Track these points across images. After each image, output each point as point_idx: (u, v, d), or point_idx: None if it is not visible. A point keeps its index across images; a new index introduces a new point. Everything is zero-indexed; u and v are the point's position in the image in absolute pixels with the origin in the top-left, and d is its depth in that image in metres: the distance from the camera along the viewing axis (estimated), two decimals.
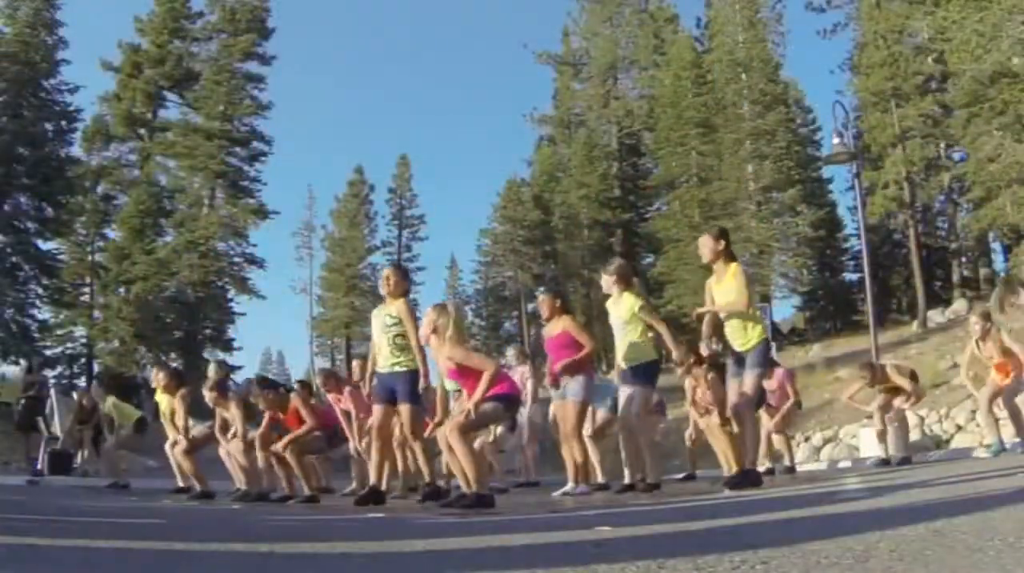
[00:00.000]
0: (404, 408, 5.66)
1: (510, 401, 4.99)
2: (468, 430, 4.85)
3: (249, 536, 3.53)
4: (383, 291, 6.03)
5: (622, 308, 6.25)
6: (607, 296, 6.50)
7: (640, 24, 34.99)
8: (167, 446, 8.39)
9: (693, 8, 59.87)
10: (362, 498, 5.81)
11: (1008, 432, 7.86)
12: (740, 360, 5.71)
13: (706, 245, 5.85)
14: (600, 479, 7.59)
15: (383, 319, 5.88)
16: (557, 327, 6.47)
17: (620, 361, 6.29)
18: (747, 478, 5.71)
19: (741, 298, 5.66)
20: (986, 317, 8.30)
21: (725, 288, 5.74)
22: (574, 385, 6.33)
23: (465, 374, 4.87)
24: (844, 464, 9.96)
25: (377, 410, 5.86)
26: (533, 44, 50.16)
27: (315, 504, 6.54)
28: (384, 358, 5.82)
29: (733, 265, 5.78)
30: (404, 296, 5.96)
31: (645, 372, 6.21)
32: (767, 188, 27.15)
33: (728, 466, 6.61)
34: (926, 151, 24.31)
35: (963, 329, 12.35)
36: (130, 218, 27.46)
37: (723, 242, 5.84)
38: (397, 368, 5.75)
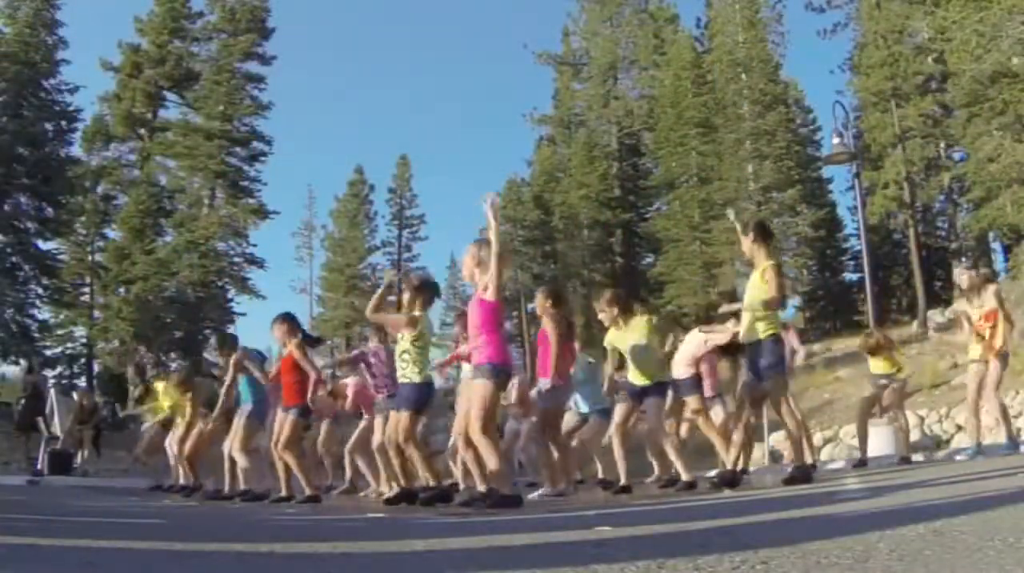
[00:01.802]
0: (405, 414, 5.75)
1: (502, 372, 4.95)
2: (487, 425, 4.83)
3: (249, 536, 3.53)
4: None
5: (638, 332, 6.36)
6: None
7: (640, 24, 34.95)
8: (169, 443, 8.45)
9: (693, 8, 60.00)
10: (392, 498, 5.92)
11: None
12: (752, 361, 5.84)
13: (743, 242, 6.03)
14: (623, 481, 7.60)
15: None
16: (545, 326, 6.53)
17: (643, 378, 6.32)
18: (723, 478, 6.00)
19: (762, 294, 5.80)
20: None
21: (753, 282, 5.89)
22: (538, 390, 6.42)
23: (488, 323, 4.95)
24: (834, 465, 9.93)
25: (393, 418, 5.98)
26: (533, 44, 50.12)
27: (315, 504, 6.55)
28: (410, 370, 5.88)
29: (764, 263, 5.85)
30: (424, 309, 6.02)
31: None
32: (767, 188, 27.10)
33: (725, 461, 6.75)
34: (926, 151, 24.26)
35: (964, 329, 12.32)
36: (130, 218, 27.45)
37: (753, 235, 5.92)
38: (416, 378, 5.82)
